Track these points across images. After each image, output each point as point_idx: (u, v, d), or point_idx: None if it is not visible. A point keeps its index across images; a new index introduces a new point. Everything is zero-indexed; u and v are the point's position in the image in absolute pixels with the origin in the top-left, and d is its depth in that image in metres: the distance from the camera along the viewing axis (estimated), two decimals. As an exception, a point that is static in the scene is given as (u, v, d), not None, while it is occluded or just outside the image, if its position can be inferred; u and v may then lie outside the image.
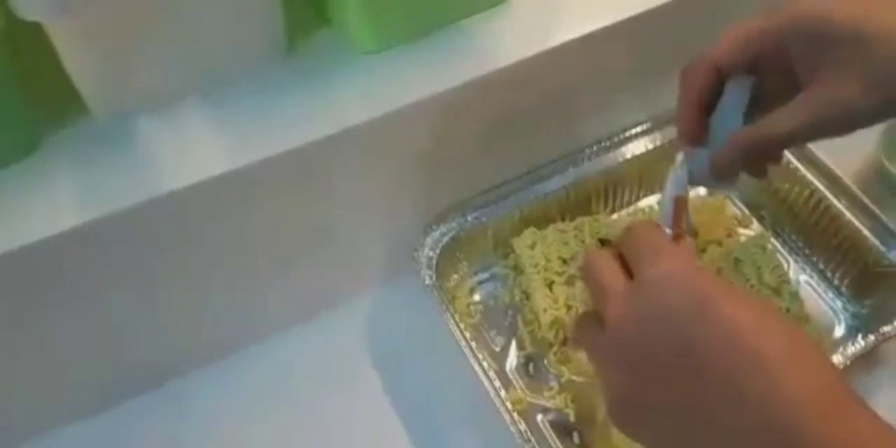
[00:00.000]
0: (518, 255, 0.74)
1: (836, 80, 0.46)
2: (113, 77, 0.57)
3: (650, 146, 0.78)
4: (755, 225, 0.81)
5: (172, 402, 0.71)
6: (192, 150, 0.58)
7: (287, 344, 0.74)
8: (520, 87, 0.67)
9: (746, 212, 0.82)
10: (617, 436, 0.66)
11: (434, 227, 0.73)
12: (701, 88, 0.51)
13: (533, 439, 0.63)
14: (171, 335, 0.69)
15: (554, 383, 0.71)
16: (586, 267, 0.47)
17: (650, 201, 0.83)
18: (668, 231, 0.49)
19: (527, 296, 0.74)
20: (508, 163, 0.75)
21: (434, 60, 0.63)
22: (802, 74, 0.48)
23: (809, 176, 0.76)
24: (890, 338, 0.69)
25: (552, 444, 0.66)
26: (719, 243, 0.77)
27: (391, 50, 0.64)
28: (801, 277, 0.78)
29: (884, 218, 0.73)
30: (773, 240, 0.79)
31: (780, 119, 0.48)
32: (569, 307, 0.69)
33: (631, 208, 0.82)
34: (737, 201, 0.83)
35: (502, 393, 0.65)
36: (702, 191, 0.82)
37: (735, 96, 0.51)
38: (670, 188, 0.51)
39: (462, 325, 0.68)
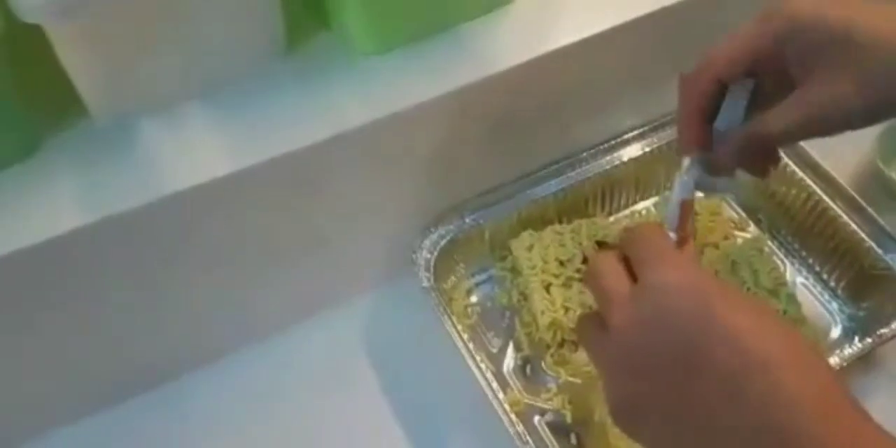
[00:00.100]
0: (515, 257, 0.74)
1: (829, 80, 0.47)
2: (112, 79, 0.57)
3: (647, 149, 0.78)
4: (752, 227, 0.82)
5: (172, 401, 0.72)
6: (191, 152, 0.59)
7: (286, 344, 0.75)
8: (518, 90, 0.67)
9: (743, 214, 0.82)
10: (614, 437, 0.66)
11: (432, 230, 0.74)
12: (704, 99, 0.51)
13: (531, 441, 0.63)
14: (169, 336, 0.69)
15: (551, 385, 0.72)
16: (590, 269, 0.47)
17: (647, 204, 0.83)
18: (672, 235, 0.49)
19: (524, 297, 0.74)
20: (506, 165, 0.75)
21: (434, 63, 0.64)
22: (797, 75, 0.49)
23: (806, 179, 0.77)
24: (887, 340, 0.69)
25: (550, 445, 0.66)
26: (716, 246, 0.77)
27: (391, 52, 0.64)
28: (798, 280, 0.78)
29: (880, 221, 0.73)
30: (769, 242, 0.80)
31: (775, 117, 0.49)
32: (566, 309, 0.69)
33: (627, 211, 0.83)
34: (734, 204, 0.83)
35: (500, 395, 0.65)
36: (698, 194, 0.82)
37: (738, 100, 0.52)
38: (677, 193, 0.52)
39: (459, 327, 0.69)
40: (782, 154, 0.77)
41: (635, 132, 0.79)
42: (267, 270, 0.69)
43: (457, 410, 0.70)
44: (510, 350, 0.74)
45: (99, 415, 0.70)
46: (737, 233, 0.81)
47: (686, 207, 0.51)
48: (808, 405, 0.37)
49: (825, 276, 0.78)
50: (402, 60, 0.64)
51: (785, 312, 0.70)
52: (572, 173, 0.77)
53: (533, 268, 0.72)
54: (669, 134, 0.78)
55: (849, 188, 0.75)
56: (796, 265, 0.79)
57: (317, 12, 0.66)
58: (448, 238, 0.74)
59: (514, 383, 0.72)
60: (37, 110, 0.58)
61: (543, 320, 0.69)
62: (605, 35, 0.66)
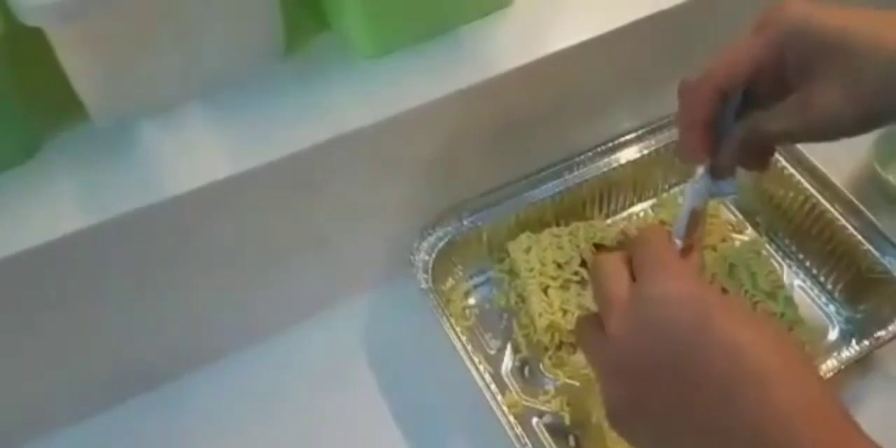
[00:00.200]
0: (513, 260, 0.74)
1: (825, 87, 0.47)
2: (112, 81, 0.57)
3: (644, 152, 0.79)
4: (749, 230, 0.82)
5: (172, 402, 0.72)
6: (191, 154, 0.59)
7: (286, 344, 0.75)
8: (517, 93, 0.67)
9: (741, 217, 0.83)
10: (612, 439, 0.66)
11: (430, 231, 0.74)
12: (706, 110, 0.51)
13: (529, 442, 0.63)
14: (170, 336, 0.69)
15: (549, 387, 0.72)
16: (594, 271, 0.48)
17: (644, 206, 0.83)
18: (678, 242, 0.49)
19: (522, 300, 0.74)
20: (504, 167, 0.75)
21: (433, 66, 0.64)
22: (794, 81, 0.49)
23: (804, 182, 0.77)
24: (884, 343, 0.69)
25: (548, 447, 0.66)
26: (714, 248, 0.77)
27: (391, 54, 0.64)
28: (795, 282, 0.78)
29: (878, 224, 0.73)
30: (767, 245, 0.80)
31: (773, 119, 0.50)
32: (564, 311, 0.70)
33: (625, 213, 0.83)
34: (731, 207, 0.83)
35: (498, 397, 0.65)
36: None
37: (732, 104, 0.52)
38: (688, 201, 0.51)
39: (458, 329, 0.69)
40: (780, 157, 0.77)
41: (633, 135, 0.79)
42: (267, 271, 0.70)
43: (455, 411, 0.71)
44: (508, 352, 0.74)
45: (99, 415, 0.70)
46: (734, 235, 0.81)
47: (696, 216, 0.50)
48: (800, 414, 0.38)
49: (823, 279, 0.78)
50: (402, 62, 0.64)
51: (782, 315, 0.71)
52: (570, 176, 0.77)
53: (531, 270, 0.72)
54: (667, 136, 0.78)
55: (846, 191, 0.75)
56: (794, 268, 0.79)
57: (316, 13, 0.66)
58: (446, 240, 0.74)
59: (513, 385, 0.72)
60: (37, 111, 0.58)
61: (541, 322, 0.70)
62: (604, 38, 0.67)
